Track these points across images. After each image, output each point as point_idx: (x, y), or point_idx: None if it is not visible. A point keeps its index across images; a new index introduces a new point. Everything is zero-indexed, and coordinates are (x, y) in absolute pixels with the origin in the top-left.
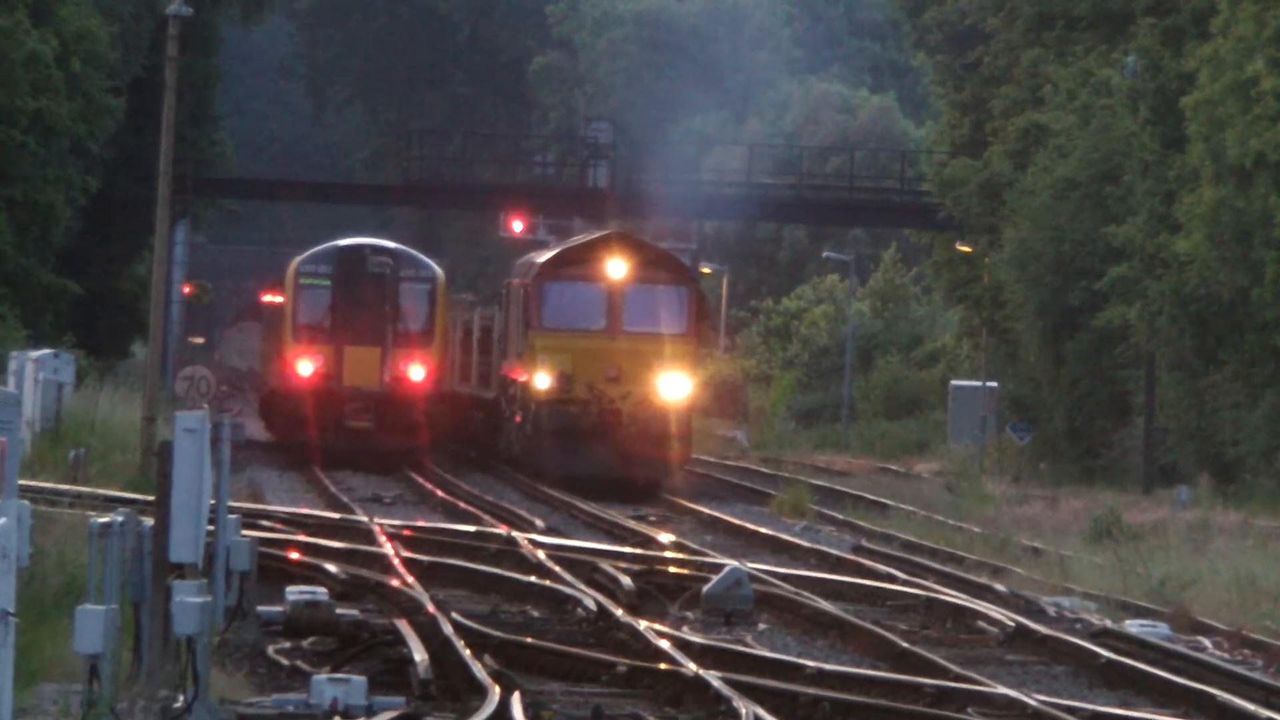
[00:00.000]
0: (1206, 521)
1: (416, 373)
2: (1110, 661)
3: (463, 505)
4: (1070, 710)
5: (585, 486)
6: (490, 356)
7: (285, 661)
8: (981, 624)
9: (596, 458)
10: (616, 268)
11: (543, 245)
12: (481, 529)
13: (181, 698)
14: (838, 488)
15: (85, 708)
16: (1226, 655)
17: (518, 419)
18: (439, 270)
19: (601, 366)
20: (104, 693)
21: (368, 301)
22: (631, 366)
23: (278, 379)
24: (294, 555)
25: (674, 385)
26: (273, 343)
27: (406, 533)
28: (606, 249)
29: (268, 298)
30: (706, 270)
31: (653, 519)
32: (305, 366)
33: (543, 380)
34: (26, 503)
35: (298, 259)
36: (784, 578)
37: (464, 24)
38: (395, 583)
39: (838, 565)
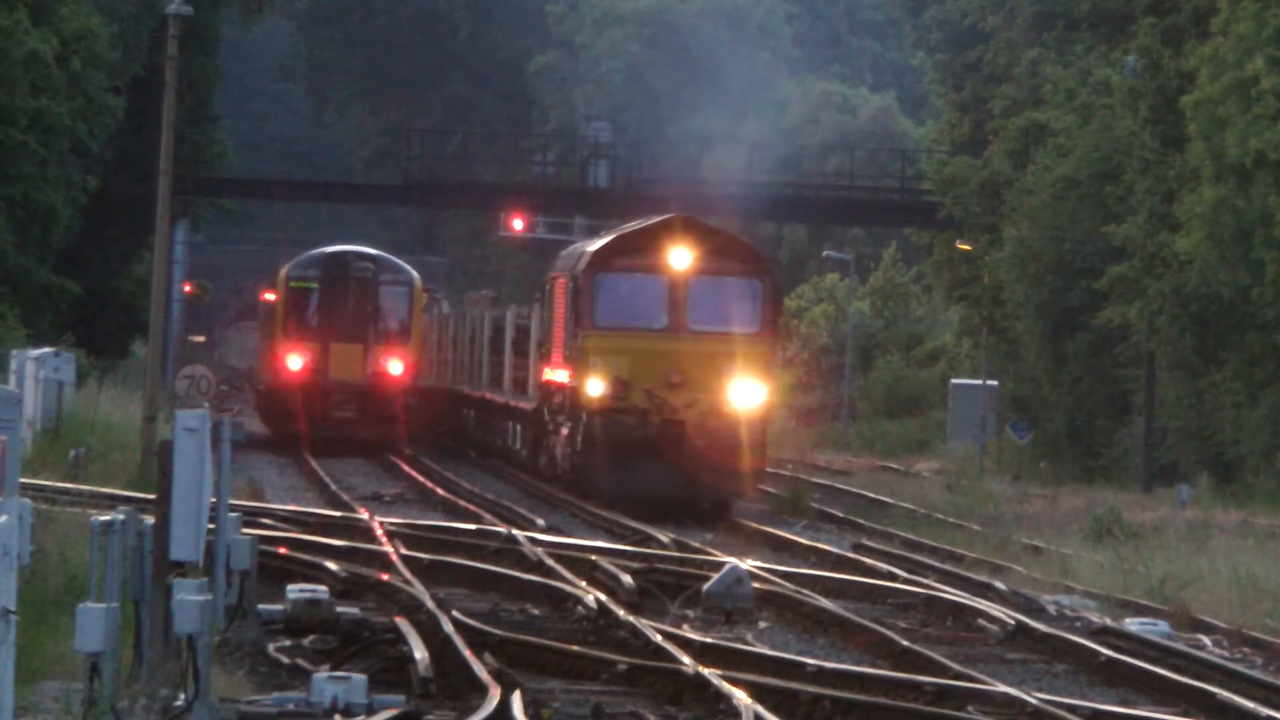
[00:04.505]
0: (1206, 520)
1: (395, 367)
2: (1110, 660)
3: (463, 503)
4: (1070, 708)
5: (643, 509)
6: (526, 360)
7: (286, 660)
8: (982, 622)
9: (657, 476)
10: (680, 257)
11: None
12: (482, 527)
13: (182, 696)
14: (838, 486)
15: (86, 706)
16: (1226, 653)
17: (563, 431)
18: (416, 274)
19: (663, 370)
20: (105, 691)
21: (351, 302)
22: (697, 370)
23: (271, 374)
24: (282, 550)
25: (746, 392)
26: (266, 341)
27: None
28: (669, 235)
29: (268, 297)
30: None
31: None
32: (295, 361)
33: (595, 386)
34: (27, 501)
35: (288, 264)
36: (784, 576)
37: (464, 24)
38: (393, 579)
39: (838, 563)
